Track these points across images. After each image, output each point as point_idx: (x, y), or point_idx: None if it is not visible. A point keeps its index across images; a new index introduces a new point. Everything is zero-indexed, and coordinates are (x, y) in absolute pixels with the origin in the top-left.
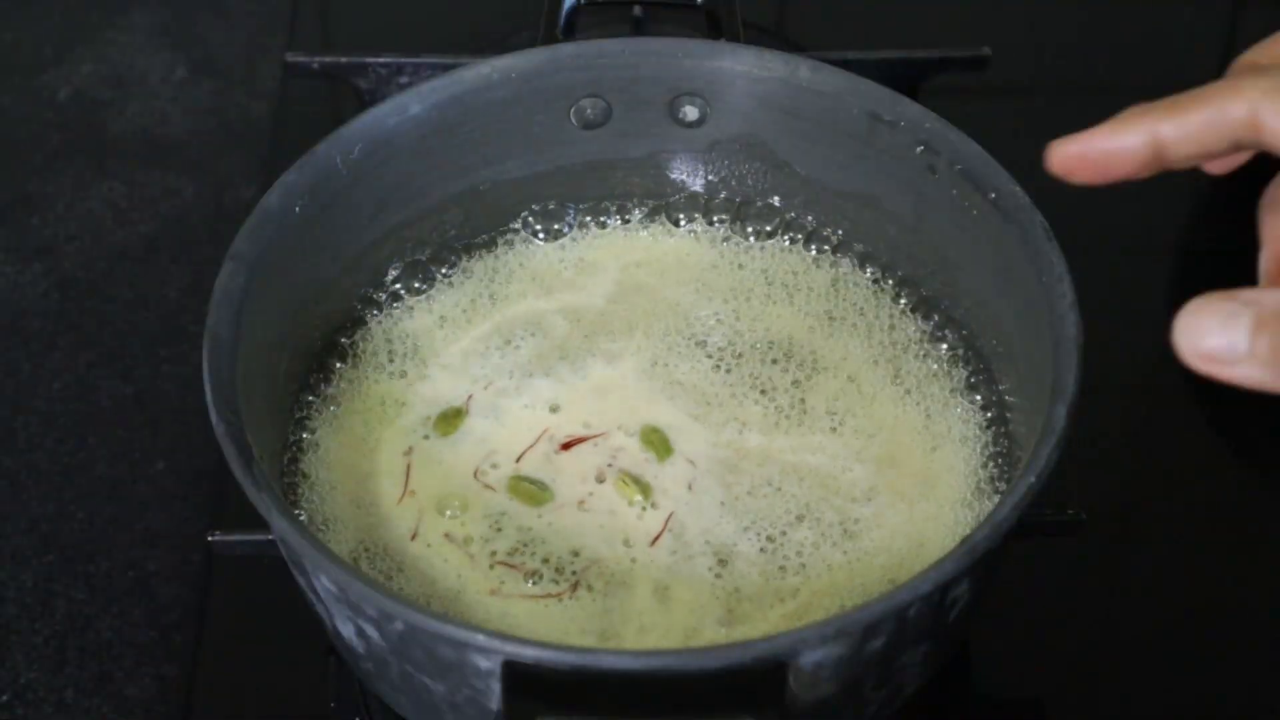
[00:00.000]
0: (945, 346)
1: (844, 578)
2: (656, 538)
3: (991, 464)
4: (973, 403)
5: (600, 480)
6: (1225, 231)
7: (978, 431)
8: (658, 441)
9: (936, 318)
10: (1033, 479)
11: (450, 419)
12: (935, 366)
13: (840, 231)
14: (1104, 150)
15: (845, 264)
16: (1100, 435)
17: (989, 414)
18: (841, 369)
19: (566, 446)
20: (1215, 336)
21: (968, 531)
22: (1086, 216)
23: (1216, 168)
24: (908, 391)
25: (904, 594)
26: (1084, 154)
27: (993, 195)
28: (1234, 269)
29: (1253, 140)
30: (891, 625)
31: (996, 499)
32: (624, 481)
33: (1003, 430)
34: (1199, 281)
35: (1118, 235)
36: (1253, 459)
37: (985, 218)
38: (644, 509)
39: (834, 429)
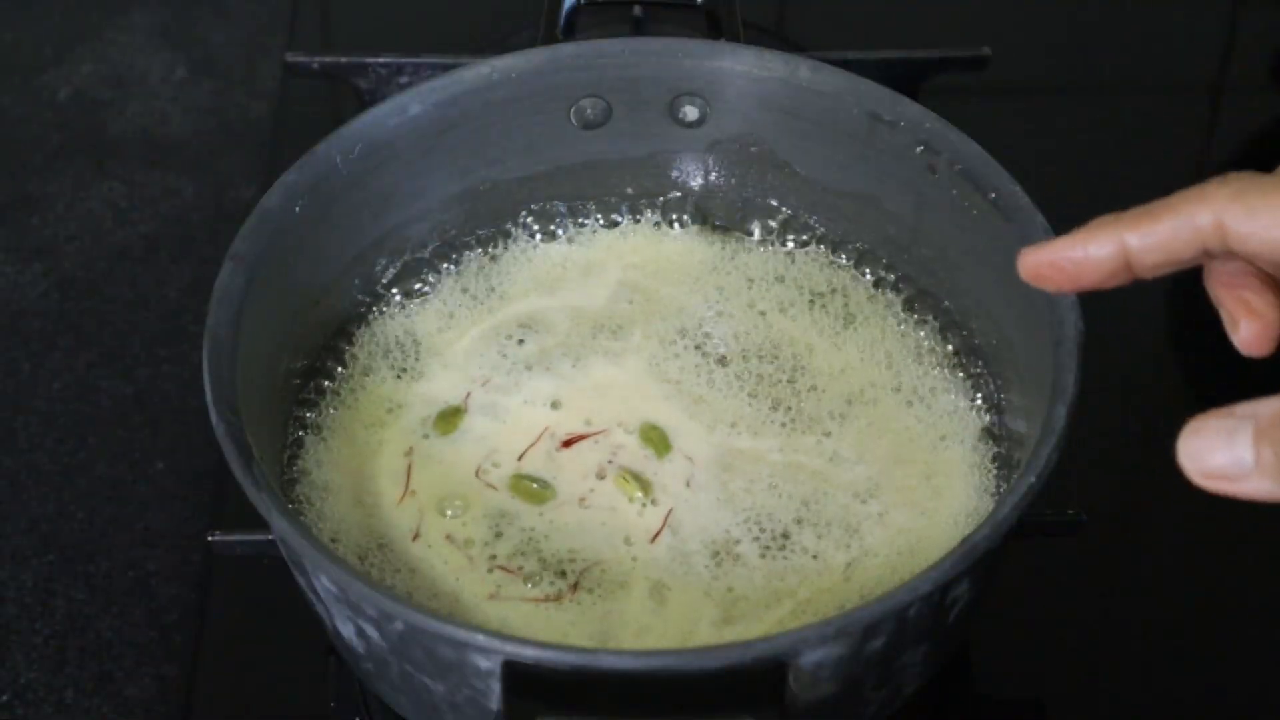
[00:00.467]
0: (945, 346)
1: (843, 578)
2: (656, 534)
3: (991, 464)
4: (973, 403)
5: (601, 477)
6: None
7: (978, 431)
8: (657, 439)
9: (936, 318)
10: (1033, 479)
11: (450, 418)
12: (935, 367)
13: (840, 231)
14: (1073, 260)
15: (845, 264)
16: (1100, 435)
17: (989, 414)
18: (840, 369)
19: (567, 444)
20: (1219, 455)
21: (968, 531)
22: (1086, 217)
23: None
24: (907, 391)
25: (904, 594)
26: (1054, 263)
27: (993, 195)
28: None
29: (1220, 246)
30: (891, 625)
31: (996, 499)
32: (624, 478)
33: (1003, 430)
34: (1199, 281)
35: None
36: None
37: (985, 218)
38: (644, 505)
39: (833, 429)
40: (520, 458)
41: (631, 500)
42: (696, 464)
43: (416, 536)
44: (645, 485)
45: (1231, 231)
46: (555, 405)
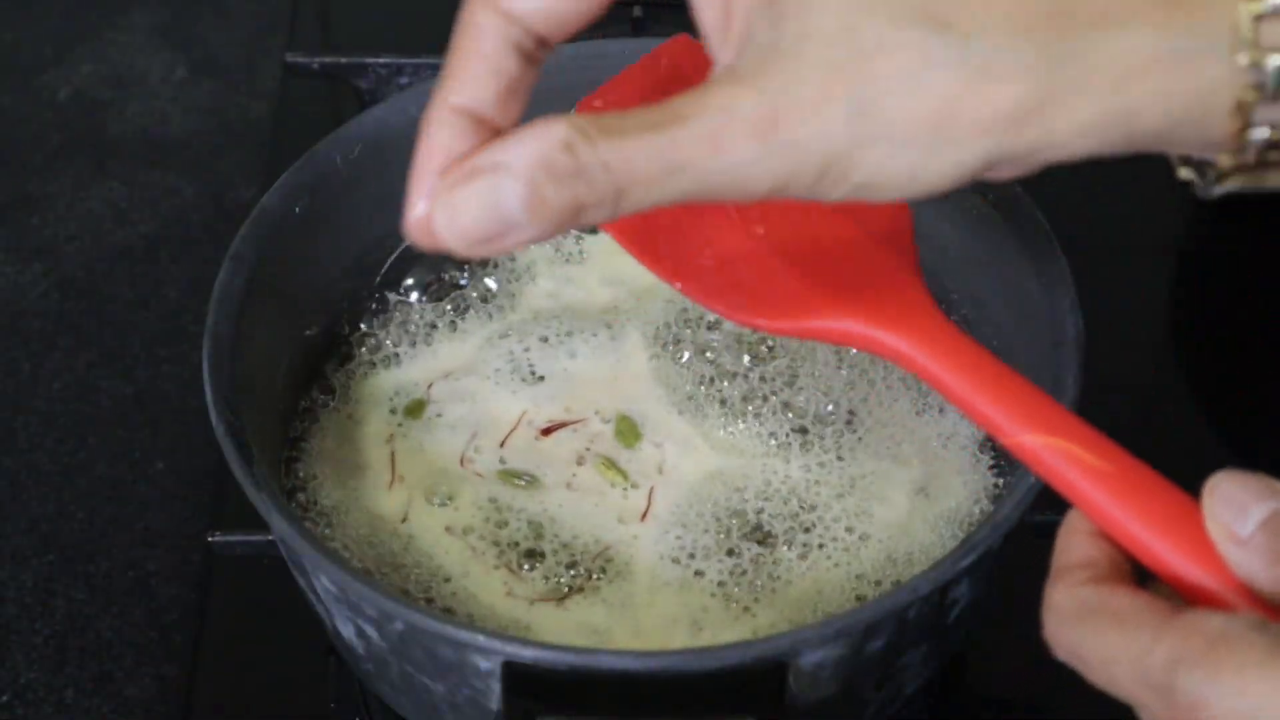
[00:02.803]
0: None
1: (841, 576)
2: (644, 513)
3: (991, 464)
4: None
5: (580, 464)
6: (1225, 232)
7: (978, 431)
8: (627, 429)
9: None
10: (1033, 479)
11: (439, 409)
12: None
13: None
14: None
15: None
16: None
17: None
18: (839, 369)
19: (547, 432)
20: None
21: (968, 532)
22: (1086, 216)
23: None
24: (906, 391)
25: (904, 594)
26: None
27: (992, 196)
28: (1234, 269)
29: (524, 28)
30: (891, 625)
31: (996, 500)
32: (604, 465)
33: None
34: (1199, 281)
35: (1118, 235)
36: (1253, 459)
37: (985, 218)
38: (625, 490)
39: (829, 428)
40: (502, 444)
41: (613, 485)
42: (679, 454)
43: (416, 536)
44: (622, 472)
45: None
46: (537, 397)
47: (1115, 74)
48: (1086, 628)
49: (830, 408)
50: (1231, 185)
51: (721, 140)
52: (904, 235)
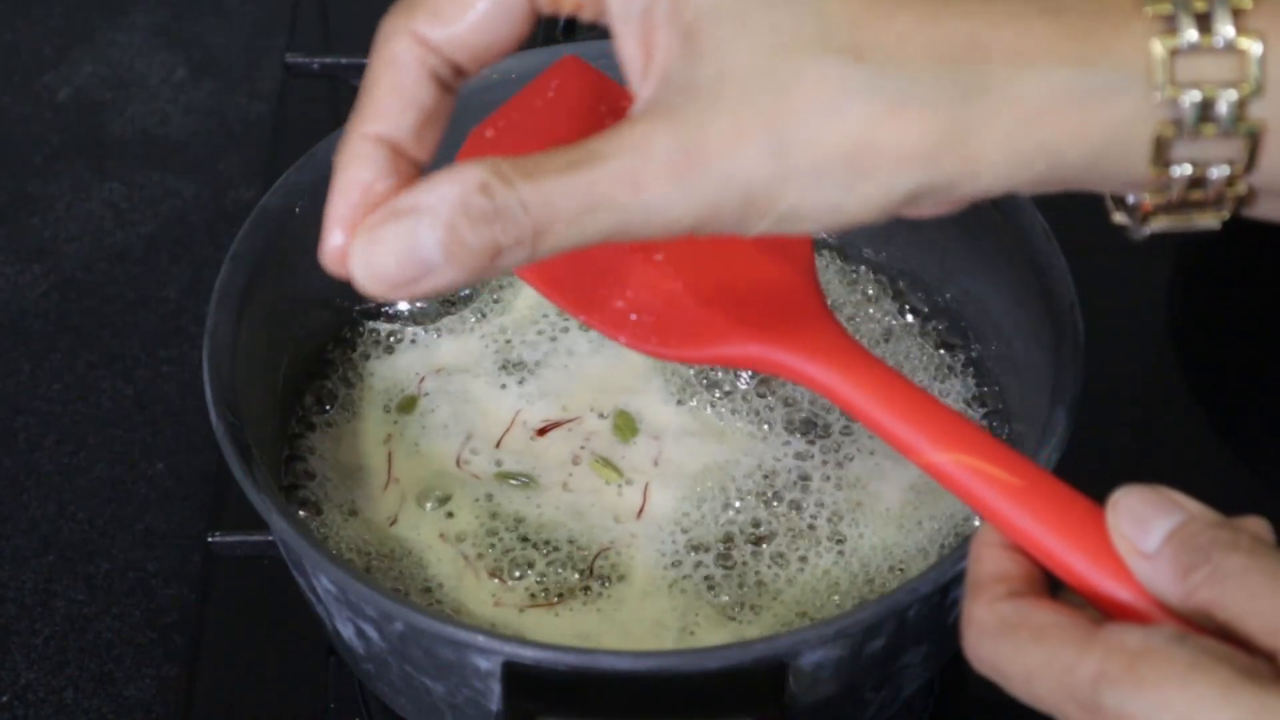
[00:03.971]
0: (945, 347)
1: (839, 576)
2: (640, 510)
3: None
4: (973, 403)
5: (576, 463)
6: (1225, 232)
7: None
8: (624, 424)
9: (935, 319)
10: None
11: (433, 406)
12: (935, 367)
13: (839, 233)
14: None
15: (844, 265)
16: (1100, 435)
17: (989, 414)
18: None
19: (542, 432)
20: None
21: (967, 533)
22: (1086, 216)
23: None
24: None
25: (904, 594)
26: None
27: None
28: (1234, 269)
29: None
30: (891, 626)
31: None
32: (599, 463)
33: (1003, 431)
34: (1199, 281)
35: (1118, 235)
36: (1253, 459)
37: (985, 218)
38: (620, 487)
39: (829, 427)
40: (498, 444)
41: (609, 483)
42: (672, 450)
43: (415, 535)
44: (617, 470)
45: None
46: (531, 392)
47: (1030, 109)
48: (1008, 643)
49: (827, 408)
50: (1159, 226)
51: (640, 179)
52: (804, 256)
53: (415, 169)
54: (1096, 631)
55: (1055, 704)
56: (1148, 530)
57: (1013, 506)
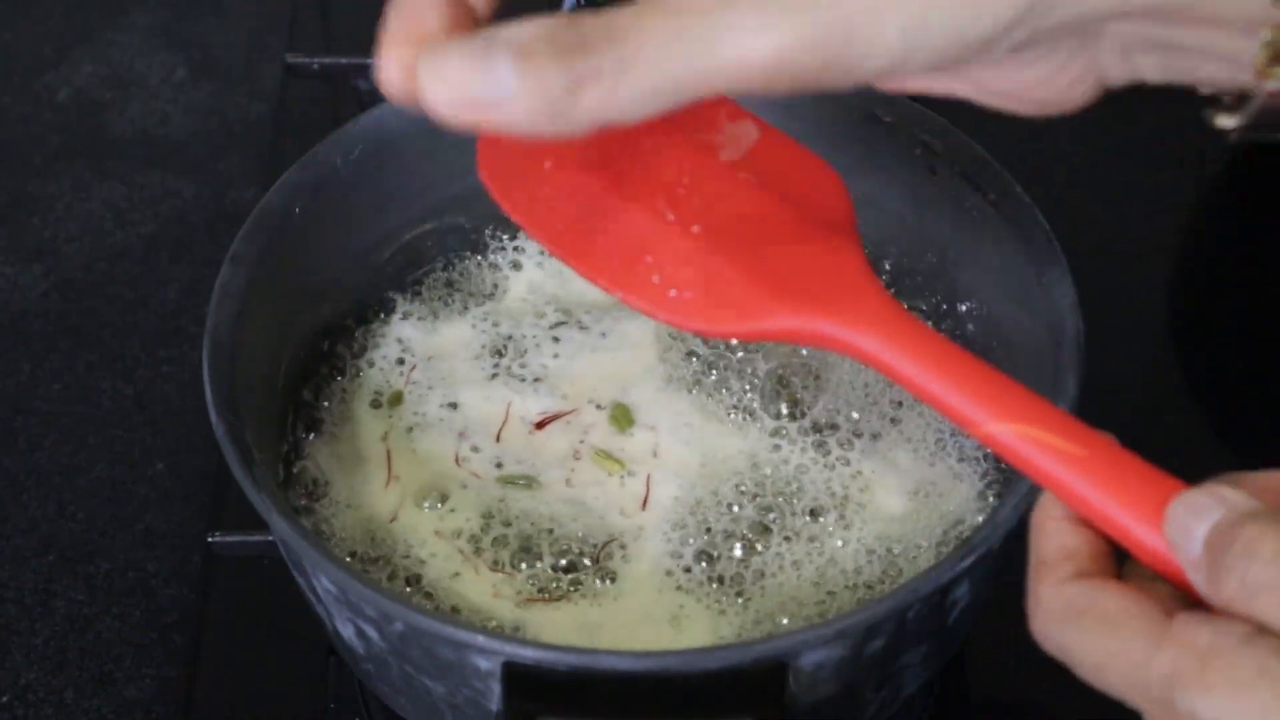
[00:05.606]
0: None
1: (838, 573)
2: (645, 500)
3: (991, 465)
4: None
5: (577, 458)
6: (1225, 232)
7: None
8: (621, 415)
9: (935, 318)
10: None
11: (426, 402)
12: None
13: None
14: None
15: None
16: None
17: None
18: (838, 368)
19: (540, 425)
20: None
21: (967, 533)
22: (1086, 216)
23: None
24: (906, 392)
25: (904, 595)
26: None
27: (992, 196)
28: (1234, 269)
29: None
30: (892, 626)
31: (997, 500)
32: (600, 456)
33: None
34: (1199, 281)
35: (1118, 235)
36: (1253, 459)
37: (985, 219)
38: (623, 479)
39: (829, 427)
40: (497, 439)
41: (610, 474)
42: (671, 441)
43: (415, 534)
44: (619, 462)
45: None
46: (527, 386)
47: None
48: (1076, 630)
49: (830, 402)
50: (1274, 82)
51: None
52: (847, 221)
53: (473, 22)
54: (1168, 625)
55: (1126, 695)
56: (1190, 537)
57: (1077, 477)
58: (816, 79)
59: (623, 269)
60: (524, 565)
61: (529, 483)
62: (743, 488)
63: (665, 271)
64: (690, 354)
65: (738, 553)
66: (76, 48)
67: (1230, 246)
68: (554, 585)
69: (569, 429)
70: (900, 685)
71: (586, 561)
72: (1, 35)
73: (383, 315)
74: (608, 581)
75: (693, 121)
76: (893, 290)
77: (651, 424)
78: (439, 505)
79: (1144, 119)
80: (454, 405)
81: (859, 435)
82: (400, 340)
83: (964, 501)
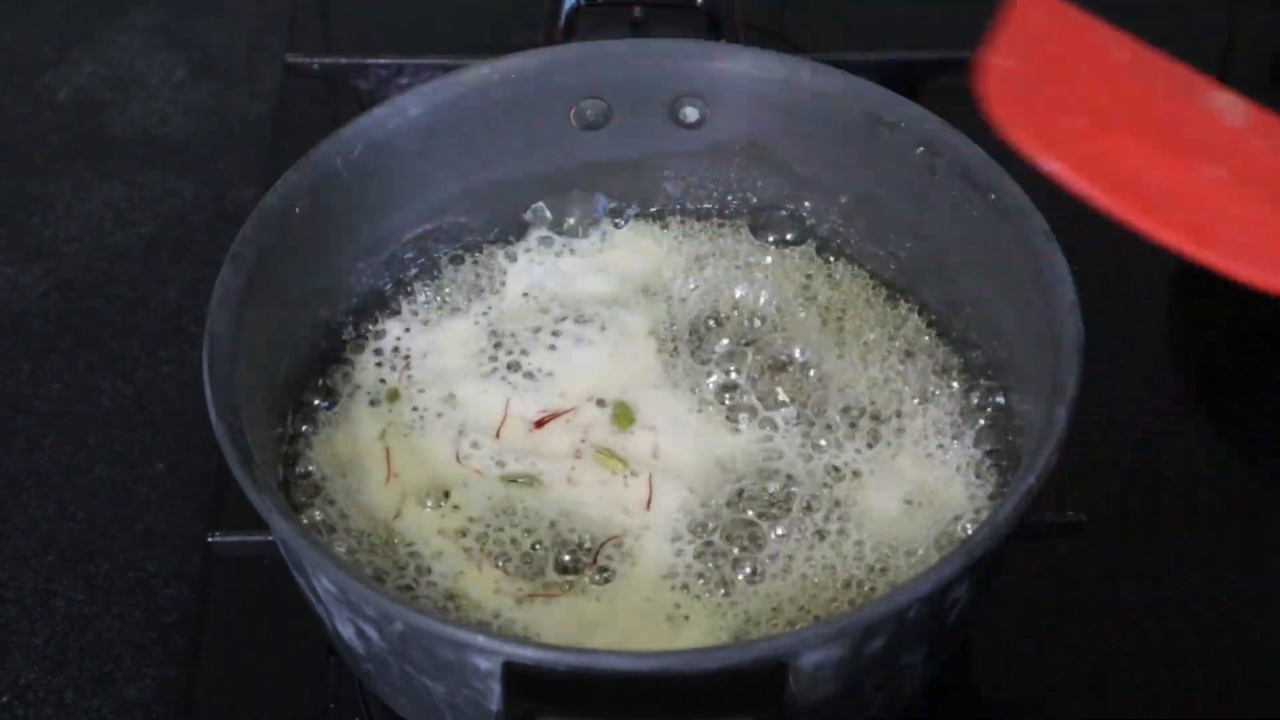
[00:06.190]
0: (945, 347)
1: (837, 571)
2: (648, 500)
3: (991, 465)
4: (973, 403)
5: (578, 456)
6: None
7: (977, 432)
8: (622, 413)
9: (935, 318)
10: (1032, 480)
11: (425, 399)
12: (935, 367)
13: (840, 232)
14: None
15: (844, 264)
16: (1100, 435)
17: (989, 415)
18: (838, 368)
19: (540, 424)
20: None
21: (967, 533)
22: (1086, 217)
23: None
24: (906, 392)
25: (904, 595)
26: None
27: (993, 196)
28: None
29: None
30: (891, 626)
31: (996, 500)
32: (603, 454)
33: (1003, 431)
34: (1199, 281)
35: (1118, 236)
36: (1253, 459)
37: (986, 219)
38: (625, 478)
39: (829, 426)
40: (497, 435)
41: (614, 473)
42: (670, 441)
43: (415, 534)
44: (621, 460)
45: None
46: (527, 384)
47: None
48: None
49: (830, 403)
50: None
51: None
52: None
53: None
54: None
55: None
56: None
57: None
58: None
59: (1204, 221)
60: (526, 563)
61: (531, 481)
62: (742, 488)
63: (1228, 222)
64: (689, 353)
65: (737, 552)
66: (76, 48)
67: None
68: (555, 583)
69: (569, 427)
70: (901, 685)
71: (587, 560)
72: (1, 35)
73: (382, 314)
74: (607, 580)
75: (1190, 87)
76: (891, 290)
77: (651, 424)
78: (441, 503)
79: None
80: (453, 404)
81: (859, 436)
82: (399, 338)
83: (963, 502)
